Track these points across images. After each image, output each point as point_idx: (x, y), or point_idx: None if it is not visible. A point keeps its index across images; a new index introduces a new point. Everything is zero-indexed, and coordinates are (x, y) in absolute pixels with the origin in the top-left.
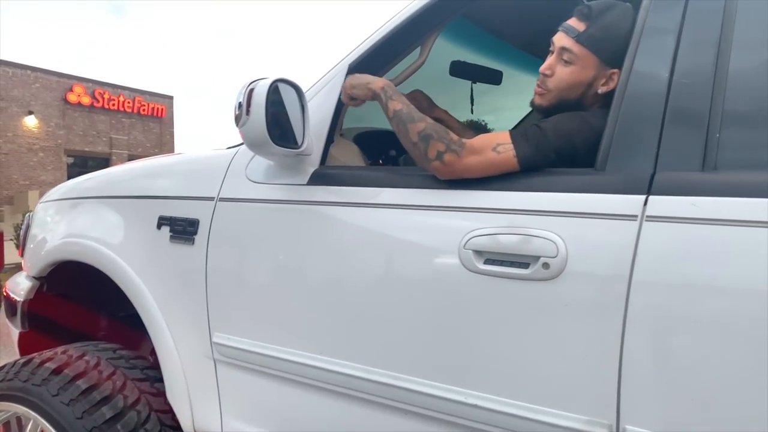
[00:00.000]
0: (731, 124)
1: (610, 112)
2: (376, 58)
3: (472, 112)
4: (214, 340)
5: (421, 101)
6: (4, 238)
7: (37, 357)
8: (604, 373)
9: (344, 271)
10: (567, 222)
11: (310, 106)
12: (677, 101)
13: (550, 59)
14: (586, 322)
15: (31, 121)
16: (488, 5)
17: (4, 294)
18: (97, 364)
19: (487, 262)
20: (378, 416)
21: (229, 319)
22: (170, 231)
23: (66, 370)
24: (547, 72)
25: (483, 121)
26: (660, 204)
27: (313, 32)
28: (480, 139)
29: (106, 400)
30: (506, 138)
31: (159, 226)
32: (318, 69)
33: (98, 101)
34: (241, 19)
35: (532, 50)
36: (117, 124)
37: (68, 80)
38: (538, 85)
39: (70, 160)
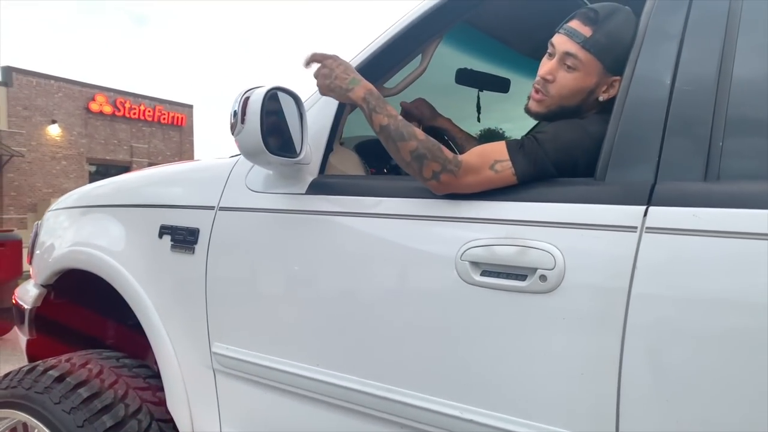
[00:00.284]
0: (735, 133)
1: (611, 120)
2: (377, 66)
3: (479, 120)
4: (214, 350)
5: (424, 110)
6: (24, 245)
7: (41, 364)
8: (603, 388)
9: (341, 281)
10: (565, 233)
11: (310, 114)
12: (679, 109)
13: (550, 64)
14: (584, 335)
15: (54, 130)
16: (490, 10)
17: (13, 301)
18: (100, 372)
19: (484, 273)
20: (373, 429)
21: (228, 329)
22: (171, 240)
23: (68, 378)
24: (549, 77)
25: (501, 129)
26: (660, 215)
27: (337, 41)
28: (476, 156)
29: (107, 408)
30: (503, 153)
31: (161, 235)
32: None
33: (119, 110)
34: (263, 27)
35: (535, 55)
36: (137, 132)
37: (90, 90)
38: (537, 90)
39: (92, 168)
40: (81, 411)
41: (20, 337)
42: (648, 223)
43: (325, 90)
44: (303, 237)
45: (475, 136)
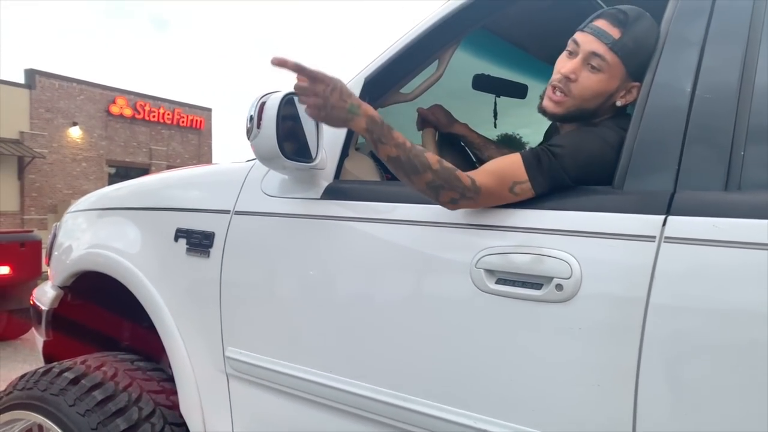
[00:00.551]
0: (756, 142)
1: (630, 128)
2: (393, 72)
3: (495, 126)
4: (227, 354)
5: (440, 116)
6: (44, 245)
7: (56, 366)
8: (619, 400)
9: (355, 287)
10: (582, 242)
11: None
12: (700, 117)
13: (573, 62)
14: (600, 346)
15: (75, 132)
16: (507, 15)
17: (31, 302)
18: (115, 375)
19: (499, 281)
20: None
21: (241, 334)
22: (187, 243)
23: (83, 381)
24: (572, 76)
25: (518, 134)
26: (679, 225)
27: (355, 45)
28: (494, 178)
29: (121, 411)
30: (521, 173)
31: (176, 239)
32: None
33: (139, 113)
34: (283, 31)
35: (551, 61)
36: (157, 135)
37: (111, 92)
38: (558, 89)
39: (112, 170)
40: (95, 413)
41: (37, 337)
42: (667, 233)
43: (318, 120)
44: (317, 242)
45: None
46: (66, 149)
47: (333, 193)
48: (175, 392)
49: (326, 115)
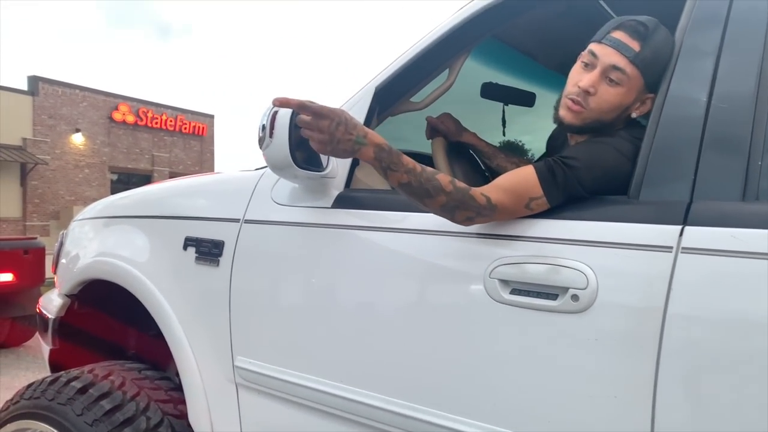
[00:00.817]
0: None
1: (645, 138)
2: (404, 81)
3: (504, 135)
4: (237, 364)
5: (449, 125)
6: (47, 252)
7: (64, 375)
8: (637, 412)
9: (366, 296)
10: (598, 252)
11: None
12: (716, 126)
13: (591, 75)
14: (617, 357)
15: (77, 139)
16: (517, 24)
17: (37, 310)
18: (122, 384)
19: (514, 291)
20: None
21: (251, 343)
22: (196, 252)
23: (91, 390)
24: (591, 90)
25: (520, 141)
26: (697, 235)
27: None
28: (509, 195)
29: (128, 421)
30: (536, 188)
31: (185, 247)
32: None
33: (142, 120)
34: (283, 39)
35: (564, 71)
36: (159, 141)
37: (114, 99)
38: (576, 102)
39: (114, 176)
40: (103, 423)
41: (43, 345)
42: (684, 243)
43: (325, 154)
44: (328, 251)
45: (497, 145)
46: (68, 156)
47: (344, 201)
48: (182, 401)
49: (333, 149)
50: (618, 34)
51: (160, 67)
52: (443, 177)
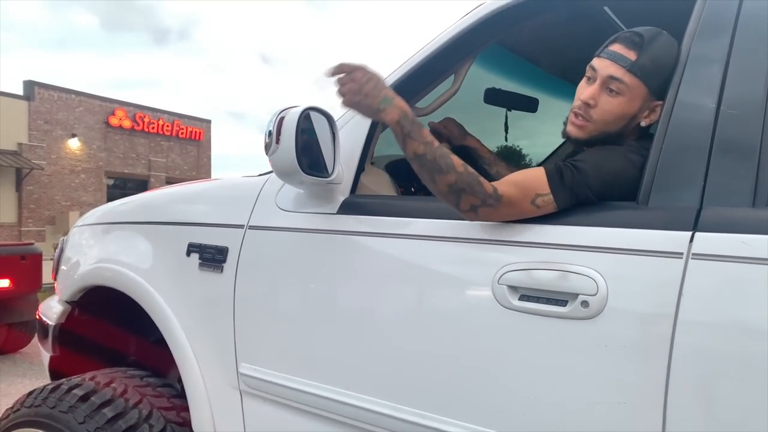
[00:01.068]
0: None
1: (654, 144)
2: (409, 86)
3: (506, 140)
4: (241, 370)
5: (453, 129)
6: (44, 258)
7: (65, 383)
8: (647, 418)
9: (373, 303)
10: (607, 258)
11: (342, 134)
12: (725, 132)
13: (592, 88)
14: (627, 364)
15: (74, 144)
16: (524, 32)
17: (37, 317)
18: (124, 392)
19: (522, 298)
20: None
21: (256, 350)
22: (199, 258)
23: (93, 398)
24: (591, 102)
25: (519, 146)
26: (707, 241)
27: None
28: (516, 188)
29: (131, 429)
30: (544, 185)
31: (188, 253)
32: None
33: (138, 124)
34: (280, 43)
35: (568, 77)
36: (156, 146)
37: (110, 104)
38: (579, 116)
39: (110, 181)
40: (105, 431)
41: (42, 352)
42: (694, 250)
43: (351, 106)
44: (334, 257)
45: (495, 151)
46: (64, 161)
47: (350, 207)
48: (185, 409)
49: (359, 101)
50: (615, 47)
51: (157, 72)
52: (456, 158)
